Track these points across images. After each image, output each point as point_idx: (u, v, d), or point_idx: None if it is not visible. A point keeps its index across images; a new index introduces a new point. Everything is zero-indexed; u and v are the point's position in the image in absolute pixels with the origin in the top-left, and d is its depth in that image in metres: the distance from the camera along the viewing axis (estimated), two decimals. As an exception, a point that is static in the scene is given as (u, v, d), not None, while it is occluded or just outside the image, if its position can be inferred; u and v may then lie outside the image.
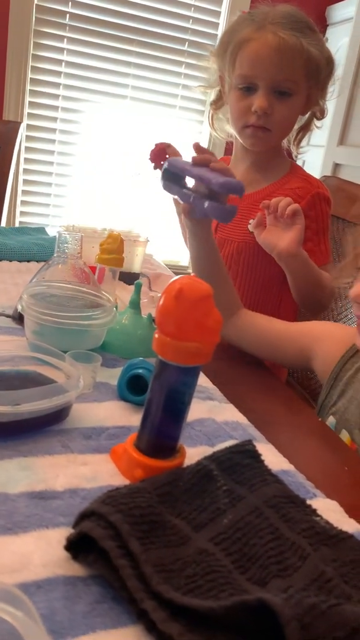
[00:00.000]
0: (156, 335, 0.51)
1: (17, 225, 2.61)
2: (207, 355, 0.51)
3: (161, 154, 1.15)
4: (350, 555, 0.46)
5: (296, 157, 1.24)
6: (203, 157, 0.86)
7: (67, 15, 2.48)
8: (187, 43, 2.65)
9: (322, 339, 0.82)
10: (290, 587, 0.40)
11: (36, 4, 2.41)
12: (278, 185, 1.15)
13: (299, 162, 2.81)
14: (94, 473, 0.53)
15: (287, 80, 1.03)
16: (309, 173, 1.19)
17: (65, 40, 2.51)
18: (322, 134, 2.55)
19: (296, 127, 1.17)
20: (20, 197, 2.64)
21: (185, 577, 0.40)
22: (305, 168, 2.63)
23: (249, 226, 1.12)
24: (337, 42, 2.54)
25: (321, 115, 1.15)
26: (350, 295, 0.76)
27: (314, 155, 2.56)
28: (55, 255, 0.89)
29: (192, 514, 0.47)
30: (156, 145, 1.16)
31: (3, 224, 1.84)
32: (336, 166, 2.37)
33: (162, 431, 0.54)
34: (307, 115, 1.16)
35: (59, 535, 0.44)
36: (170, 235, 2.30)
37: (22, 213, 2.67)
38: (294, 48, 1.00)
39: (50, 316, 0.74)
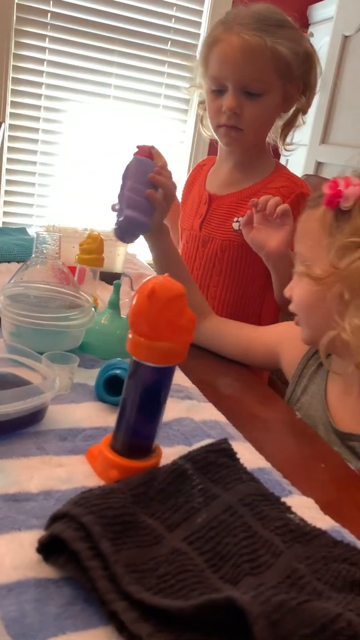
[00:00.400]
0: (129, 336, 0.51)
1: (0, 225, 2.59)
2: (181, 354, 0.51)
3: (145, 155, 1.16)
4: (323, 552, 0.47)
5: (283, 154, 1.23)
6: (159, 179, 0.92)
7: (49, 14, 2.46)
8: (169, 42, 2.64)
9: (287, 338, 0.83)
10: (262, 585, 0.40)
11: (17, 3, 2.39)
12: (262, 184, 1.15)
13: (285, 159, 2.82)
14: (69, 474, 0.53)
15: (254, 80, 1.03)
16: (293, 173, 1.19)
17: (47, 39, 2.49)
18: (304, 132, 2.56)
19: (281, 123, 1.17)
20: (3, 198, 2.62)
21: (157, 577, 0.40)
22: (288, 167, 2.64)
23: (234, 224, 1.12)
24: (319, 41, 2.55)
25: (304, 110, 1.14)
26: (285, 293, 0.79)
27: (297, 153, 2.57)
28: (33, 255, 0.88)
29: (166, 514, 0.47)
30: (139, 147, 1.16)
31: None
32: (319, 165, 2.38)
33: (137, 431, 0.54)
34: (291, 112, 1.15)
35: (32, 538, 0.43)
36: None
37: (6, 213, 2.65)
38: (257, 48, 1.00)
39: (27, 317, 0.73)
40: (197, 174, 1.29)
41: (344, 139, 2.21)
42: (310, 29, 2.66)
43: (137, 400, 0.52)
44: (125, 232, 0.93)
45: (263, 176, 1.16)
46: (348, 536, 0.52)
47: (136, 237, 0.95)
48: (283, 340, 0.88)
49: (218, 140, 1.18)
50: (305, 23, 2.68)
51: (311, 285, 0.72)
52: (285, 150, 1.19)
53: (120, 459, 0.53)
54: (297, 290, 0.77)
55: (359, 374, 0.71)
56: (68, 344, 0.77)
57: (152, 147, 1.09)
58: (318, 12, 2.61)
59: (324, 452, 0.70)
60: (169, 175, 0.96)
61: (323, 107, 2.31)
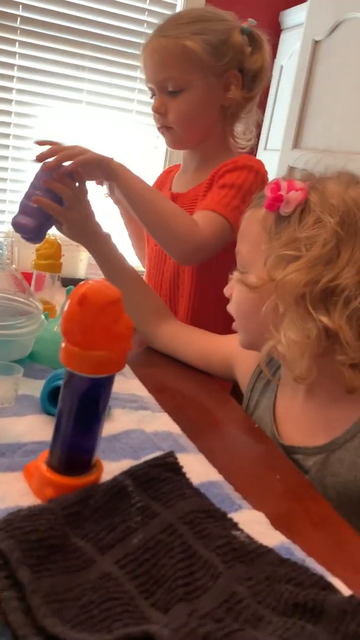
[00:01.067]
0: (62, 345, 0.48)
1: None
2: (118, 363, 0.49)
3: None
4: (267, 571, 0.44)
5: (236, 144, 1.17)
6: (53, 185, 0.89)
7: (18, 18, 2.43)
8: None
9: (240, 350, 0.80)
10: (195, 611, 0.37)
11: (-15, 7, 2.36)
12: (216, 170, 1.11)
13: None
14: (2, 493, 0.50)
15: (168, 79, 1.04)
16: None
17: (17, 44, 2.46)
18: (277, 138, 2.56)
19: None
20: (-26, 204, 2.58)
21: (80, 607, 0.37)
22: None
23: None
24: (291, 47, 2.56)
25: (248, 100, 1.10)
26: (225, 293, 0.78)
27: (270, 158, 2.56)
28: (-16, 261, 0.85)
29: (99, 535, 0.44)
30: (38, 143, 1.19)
31: None
32: (291, 169, 2.37)
33: (74, 445, 0.51)
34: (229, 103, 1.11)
35: None
36: (124, 241, 2.27)
37: (-23, 220, 2.61)
38: (163, 49, 1.03)
39: (-29, 326, 0.70)
40: (165, 179, 1.29)
41: (316, 144, 2.21)
42: (283, 35, 2.67)
43: (73, 412, 0.49)
44: (22, 235, 0.92)
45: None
46: (298, 552, 0.49)
47: (33, 239, 0.92)
48: (236, 352, 0.86)
49: None
50: (277, 29, 2.69)
51: (247, 292, 0.70)
52: (235, 141, 1.15)
53: (56, 476, 0.50)
54: (235, 294, 0.75)
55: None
56: (16, 354, 0.74)
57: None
58: (290, 18, 2.61)
59: (280, 463, 0.67)
60: (68, 182, 0.91)
61: (295, 112, 2.31)
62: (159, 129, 1.12)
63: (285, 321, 0.64)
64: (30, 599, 0.36)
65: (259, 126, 1.18)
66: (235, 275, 0.74)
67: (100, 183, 1.22)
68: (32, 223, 0.89)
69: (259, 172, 1.06)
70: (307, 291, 0.62)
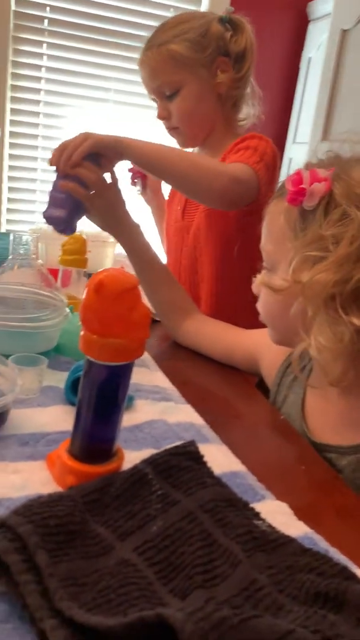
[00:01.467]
0: (81, 333, 0.48)
1: (3, 230, 2.59)
2: (136, 351, 0.48)
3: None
4: (289, 561, 0.43)
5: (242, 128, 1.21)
6: (78, 171, 0.88)
7: (46, 20, 2.46)
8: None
9: (266, 345, 0.78)
10: (212, 599, 0.37)
11: (13, 10, 2.39)
12: (224, 157, 1.12)
13: (288, 159, 2.78)
14: (25, 481, 0.50)
15: (161, 85, 1.12)
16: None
17: (44, 45, 2.49)
18: (305, 130, 2.52)
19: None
20: (5, 205, 2.62)
21: (97, 592, 0.37)
22: (291, 165, 2.60)
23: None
24: (318, 38, 2.52)
25: (240, 80, 1.13)
26: (253, 290, 0.75)
27: (298, 151, 2.53)
28: (10, 257, 0.86)
29: (119, 522, 0.44)
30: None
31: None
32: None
33: (94, 434, 0.51)
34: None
35: (-30, 549, 0.41)
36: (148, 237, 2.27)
37: (9, 221, 2.65)
38: (151, 59, 1.10)
39: (-3, 319, 0.71)
40: None
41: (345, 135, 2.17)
42: (310, 26, 2.63)
43: (93, 401, 0.49)
44: (55, 227, 0.92)
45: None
46: (321, 543, 0.48)
47: (65, 230, 0.92)
48: (261, 347, 0.84)
49: None
50: (305, 20, 2.65)
51: (273, 294, 0.67)
52: (240, 126, 1.19)
53: (77, 464, 0.50)
54: (262, 294, 0.73)
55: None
56: (42, 346, 0.75)
57: None
58: (317, 9, 2.57)
59: (305, 455, 0.66)
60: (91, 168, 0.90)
61: (323, 103, 2.27)
62: (168, 132, 1.19)
63: (315, 325, 0.61)
64: (48, 582, 0.36)
65: (260, 99, 1.20)
66: (260, 277, 0.72)
67: (133, 184, 1.28)
68: (62, 213, 0.90)
69: (269, 141, 1.08)
70: (336, 292, 0.59)
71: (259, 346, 0.85)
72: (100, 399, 0.50)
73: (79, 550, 0.40)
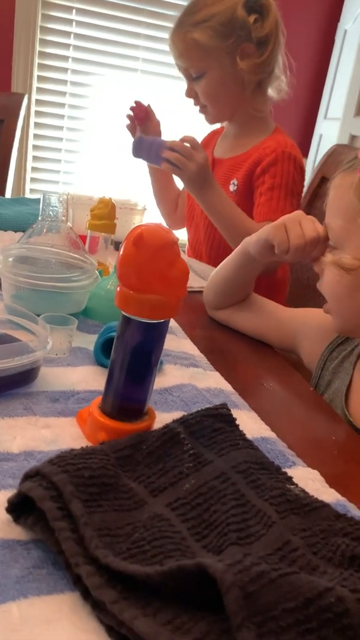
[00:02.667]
0: (118, 289, 0.48)
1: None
2: (173, 309, 0.48)
3: (142, 109, 1.29)
4: (323, 525, 0.42)
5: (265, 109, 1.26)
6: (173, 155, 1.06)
7: (76, -15, 2.42)
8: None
9: (309, 327, 0.76)
10: (248, 555, 0.36)
11: (43, -25, 2.35)
12: (256, 148, 1.22)
13: (318, 134, 2.72)
14: (55, 436, 0.50)
15: (190, 67, 1.19)
16: (287, 136, 1.23)
17: (73, 11, 2.45)
18: (338, 106, 2.46)
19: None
20: (30, 174, 2.61)
21: (131, 542, 0.36)
22: (322, 142, 2.54)
23: (231, 186, 1.23)
24: (356, 9, 2.44)
25: (265, 64, 1.17)
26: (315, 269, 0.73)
27: (330, 128, 2.47)
28: (40, 218, 0.85)
29: (151, 478, 0.44)
30: (136, 103, 1.30)
31: (11, 196, 1.81)
32: (353, 138, 2.28)
33: (126, 393, 0.50)
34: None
35: (4, 498, 0.41)
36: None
37: (32, 190, 2.65)
38: (178, 42, 1.16)
39: (27, 278, 0.70)
40: (210, 140, 1.39)
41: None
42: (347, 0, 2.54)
43: (127, 361, 0.49)
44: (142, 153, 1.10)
45: (259, 141, 1.23)
46: (354, 511, 0.48)
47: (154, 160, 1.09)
48: (303, 329, 0.81)
49: None
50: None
51: (342, 274, 0.64)
52: (257, 108, 1.23)
53: (109, 420, 0.50)
54: (327, 277, 0.69)
55: None
56: (70, 308, 0.74)
57: (149, 106, 1.27)
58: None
59: (336, 426, 0.65)
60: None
61: (357, 80, 2.21)
62: (199, 110, 1.26)
63: None
64: (83, 530, 0.35)
65: (292, 73, 1.23)
66: (327, 256, 0.68)
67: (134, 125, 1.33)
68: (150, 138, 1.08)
69: (297, 159, 1.17)
70: None
71: (301, 327, 0.82)
72: (135, 358, 0.49)
73: (112, 502, 0.40)
